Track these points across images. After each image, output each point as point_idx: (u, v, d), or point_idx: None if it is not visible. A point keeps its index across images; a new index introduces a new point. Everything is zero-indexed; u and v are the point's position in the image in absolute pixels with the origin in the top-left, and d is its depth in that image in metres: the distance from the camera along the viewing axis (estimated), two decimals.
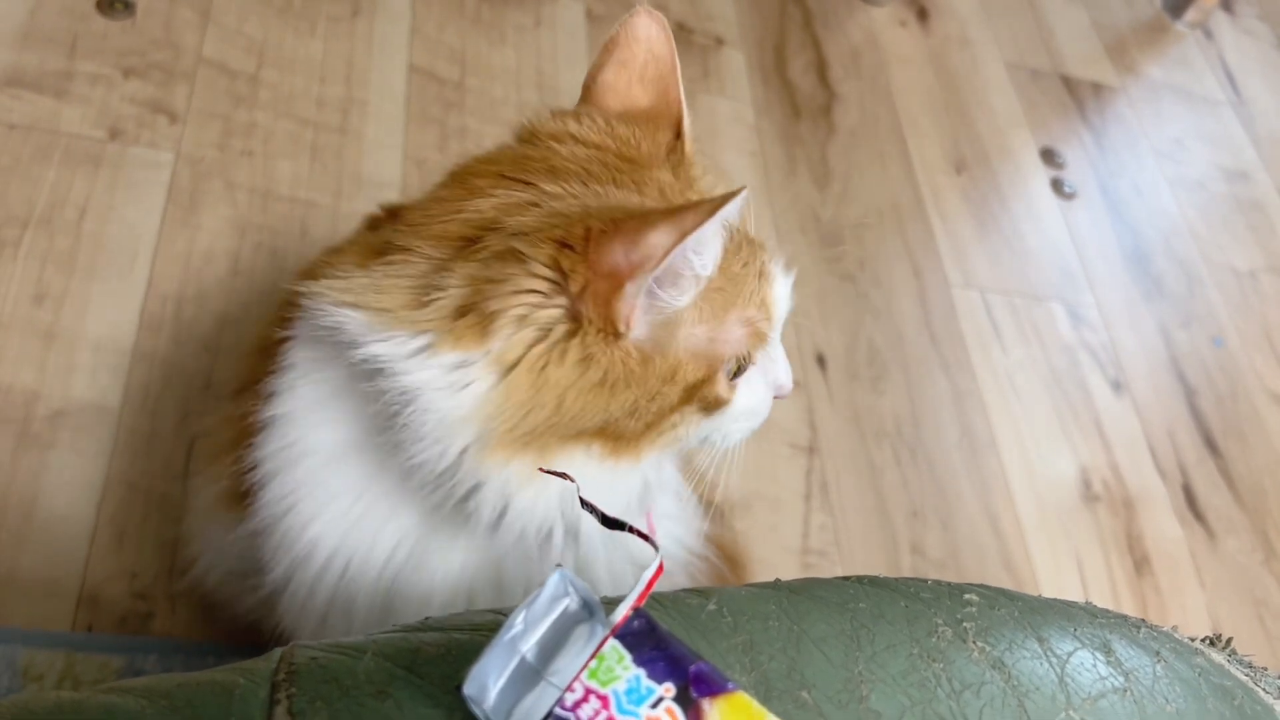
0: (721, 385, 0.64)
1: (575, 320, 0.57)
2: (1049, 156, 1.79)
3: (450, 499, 0.61)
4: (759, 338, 0.65)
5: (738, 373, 0.65)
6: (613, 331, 0.57)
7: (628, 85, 0.69)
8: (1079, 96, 1.91)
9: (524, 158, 0.64)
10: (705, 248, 0.57)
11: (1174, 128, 1.93)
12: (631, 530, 0.44)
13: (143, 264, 1.19)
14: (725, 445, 0.69)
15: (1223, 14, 2.17)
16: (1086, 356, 1.54)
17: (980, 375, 1.46)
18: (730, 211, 0.54)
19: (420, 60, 1.49)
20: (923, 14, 1.92)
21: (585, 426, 0.59)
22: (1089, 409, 1.48)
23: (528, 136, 0.68)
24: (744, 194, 0.54)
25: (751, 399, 0.67)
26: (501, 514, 0.62)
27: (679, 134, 0.69)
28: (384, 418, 0.60)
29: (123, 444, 1.07)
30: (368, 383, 0.59)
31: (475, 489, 0.60)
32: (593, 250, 0.54)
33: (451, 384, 0.58)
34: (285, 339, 0.67)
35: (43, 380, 1.08)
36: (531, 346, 0.57)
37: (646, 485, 0.68)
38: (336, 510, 0.66)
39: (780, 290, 0.67)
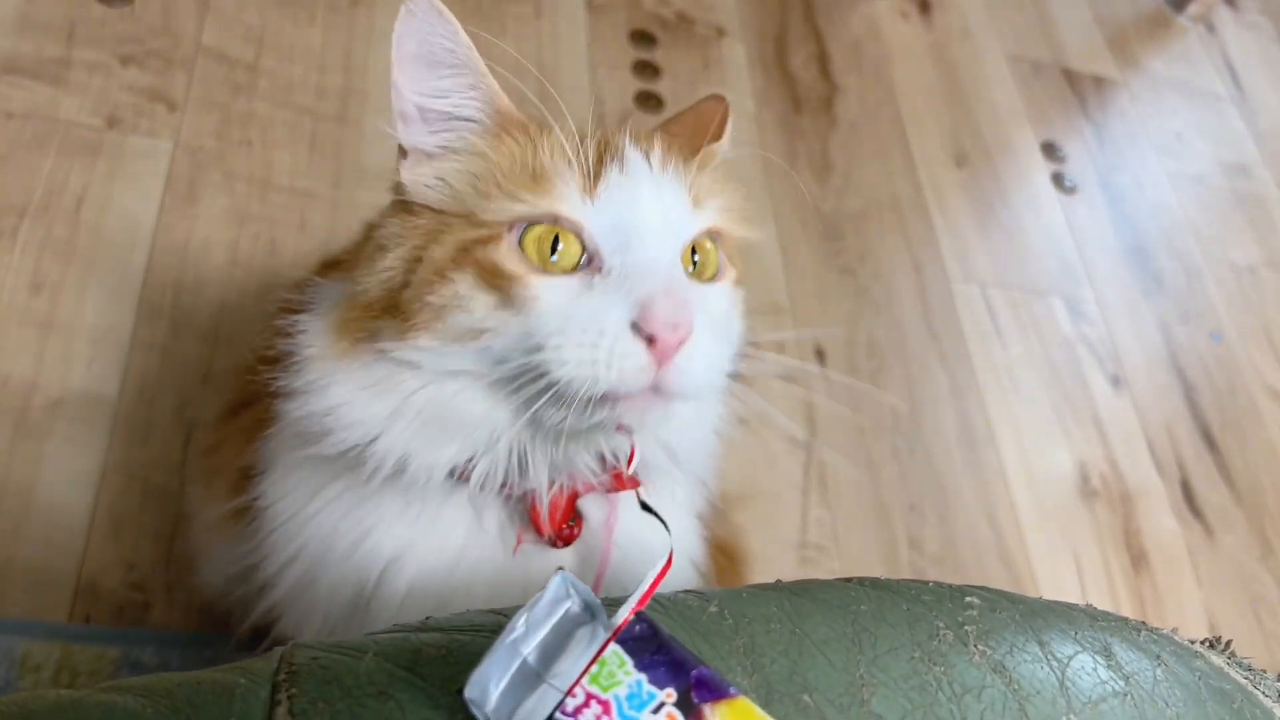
0: (504, 253, 0.58)
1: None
2: (1050, 150, 1.78)
3: (362, 464, 0.63)
4: (548, 196, 0.59)
5: (549, 262, 0.58)
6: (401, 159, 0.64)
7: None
8: (1080, 90, 1.90)
9: None
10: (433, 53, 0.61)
11: (1175, 122, 1.93)
12: (657, 516, 0.45)
13: (140, 253, 1.18)
14: (558, 379, 0.56)
15: (1225, 8, 2.17)
16: (1085, 351, 1.54)
17: (979, 370, 1.46)
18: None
19: None
20: (925, 6, 1.91)
21: (373, 297, 0.63)
22: (1087, 404, 1.48)
23: None
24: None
25: (566, 303, 0.57)
26: (372, 443, 0.63)
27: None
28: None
29: (120, 434, 1.06)
30: None
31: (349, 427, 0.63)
32: None
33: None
34: (281, 353, 0.68)
35: (40, 370, 1.08)
36: None
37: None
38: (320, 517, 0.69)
39: (634, 184, 0.60)
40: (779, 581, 0.51)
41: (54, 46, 1.30)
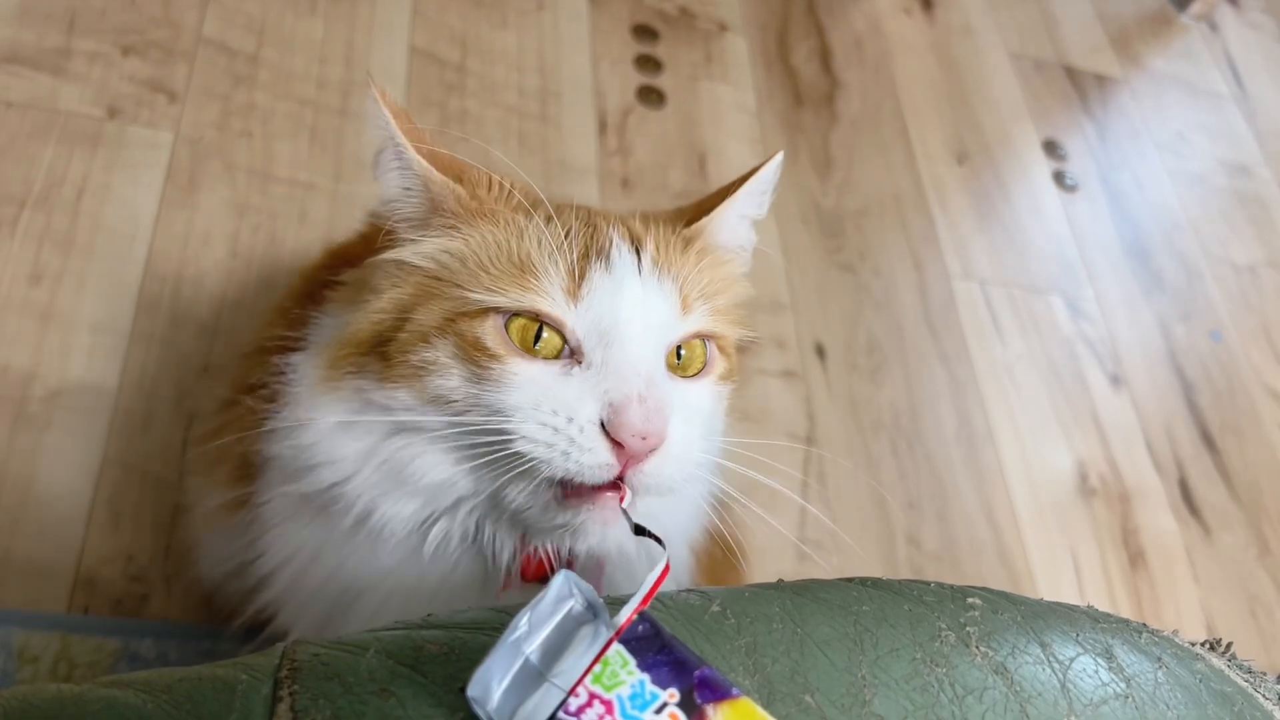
0: (489, 331, 0.58)
1: None
2: (1051, 148, 1.78)
3: (335, 504, 0.64)
4: (532, 292, 0.58)
5: (532, 348, 0.58)
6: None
7: None
8: (1082, 88, 1.90)
9: None
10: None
11: (1176, 121, 1.92)
12: (649, 535, 0.45)
13: (141, 244, 1.18)
14: (518, 453, 0.57)
15: (1227, 7, 2.17)
16: (1085, 350, 1.54)
17: (978, 367, 1.46)
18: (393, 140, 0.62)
19: (421, 42, 1.48)
20: (927, 3, 1.90)
21: (362, 337, 0.63)
22: (1087, 403, 1.48)
23: None
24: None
25: (542, 384, 0.57)
26: (340, 485, 0.63)
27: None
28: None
29: (119, 425, 1.06)
30: None
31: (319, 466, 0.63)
32: None
33: None
34: (280, 344, 0.68)
35: (39, 361, 1.07)
36: None
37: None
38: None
39: (618, 287, 0.59)
40: (780, 581, 0.51)
41: (55, 36, 1.29)
